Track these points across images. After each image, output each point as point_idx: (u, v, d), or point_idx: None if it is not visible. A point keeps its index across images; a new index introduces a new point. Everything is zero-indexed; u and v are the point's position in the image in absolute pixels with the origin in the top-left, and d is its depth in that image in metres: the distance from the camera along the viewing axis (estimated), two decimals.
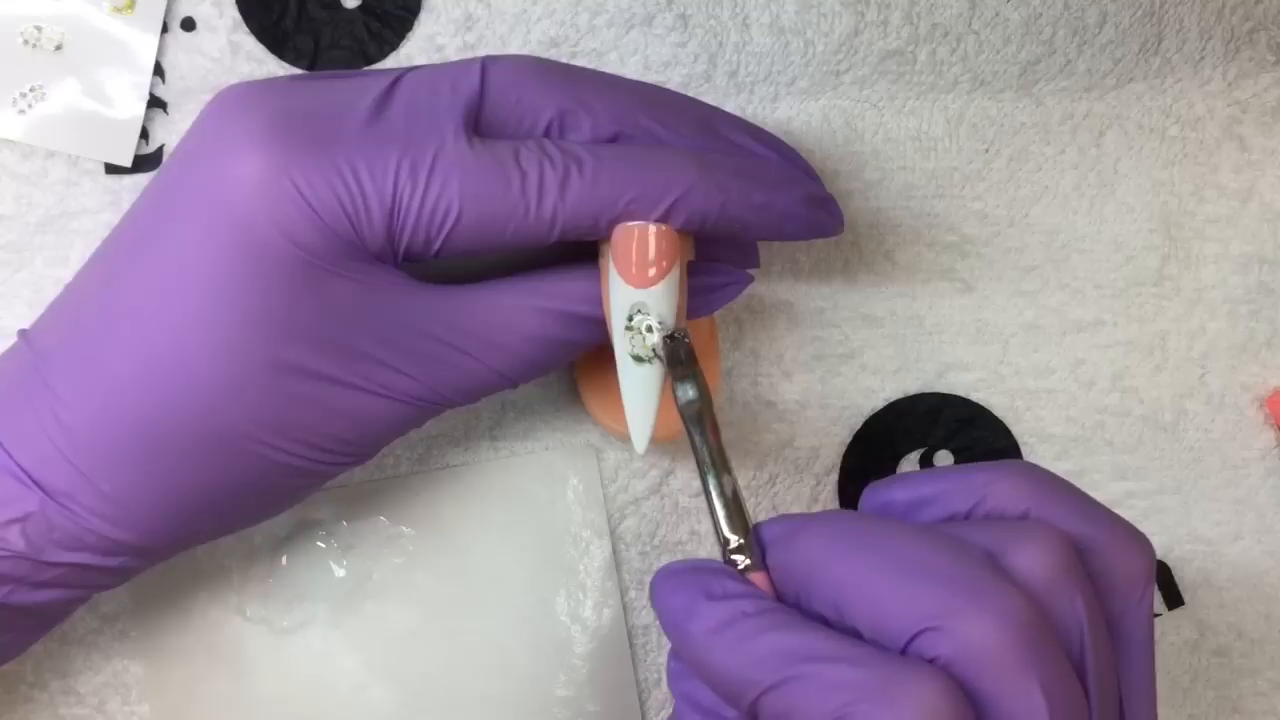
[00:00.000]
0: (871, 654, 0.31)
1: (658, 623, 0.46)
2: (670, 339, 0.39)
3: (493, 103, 0.38)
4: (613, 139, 0.39)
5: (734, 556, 0.35)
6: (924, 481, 0.36)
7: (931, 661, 0.31)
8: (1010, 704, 0.31)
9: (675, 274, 0.39)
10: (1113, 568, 0.34)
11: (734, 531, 0.36)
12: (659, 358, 0.39)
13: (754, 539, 0.36)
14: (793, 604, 0.34)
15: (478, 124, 0.38)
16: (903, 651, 0.32)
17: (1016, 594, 0.31)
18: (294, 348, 0.37)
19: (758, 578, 0.35)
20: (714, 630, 0.33)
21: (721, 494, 0.36)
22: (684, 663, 0.35)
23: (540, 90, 0.39)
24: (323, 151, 0.36)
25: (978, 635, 0.31)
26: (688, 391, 0.38)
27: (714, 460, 0.37)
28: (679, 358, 0.38)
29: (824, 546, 0.34)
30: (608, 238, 0.39)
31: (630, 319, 0.39)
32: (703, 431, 0.37)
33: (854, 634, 0.33)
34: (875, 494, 0.37)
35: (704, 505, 0.47)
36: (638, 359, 0.39)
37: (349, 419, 0.38)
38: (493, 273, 0.40)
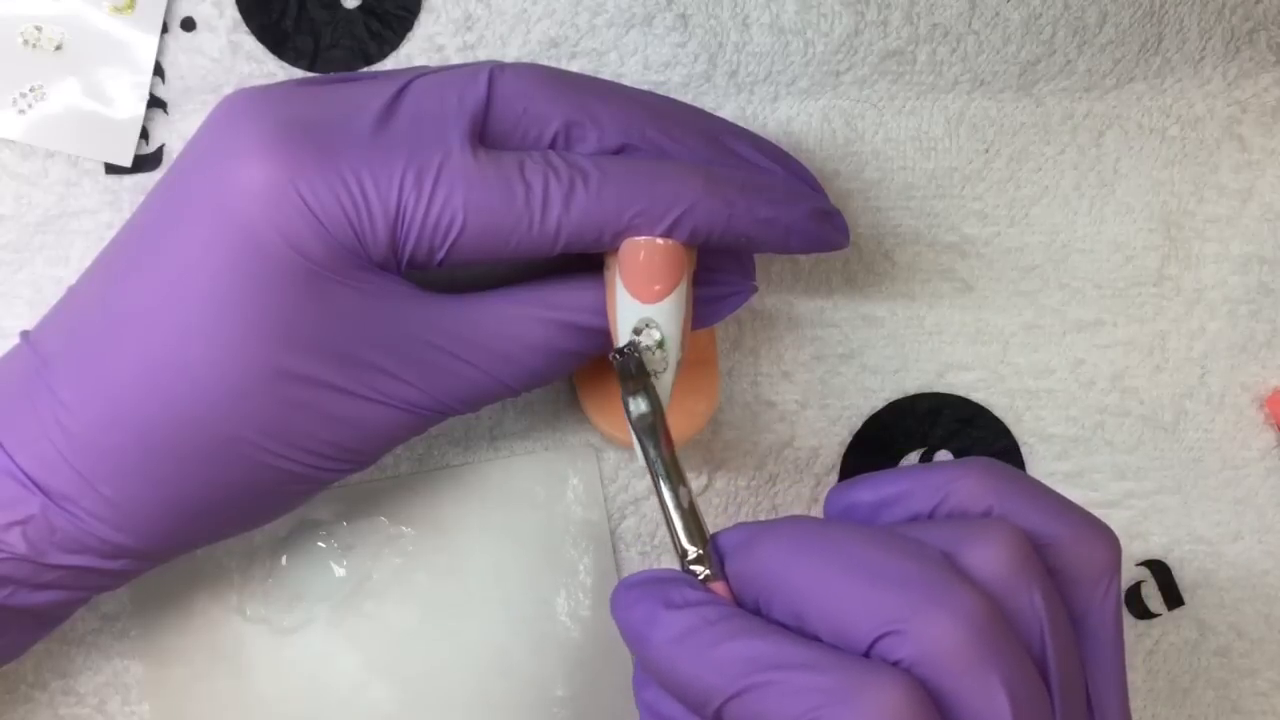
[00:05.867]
0: (835, 658, 0.32)
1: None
2: (620, 353, 0.39)
3: (499, 112, 0.38)
4: (619, 151, 0.39)
5: (693, 567, 0.35)
6: (887, 482, 0.36)
7: (895, 664, 0.31)
8: (973, 702, 0.31)
9: (682, 288, 0.39)
10: (1077, 561, 0.34)
11: (692, 542, 0.36)
12: (664, 370, 0.39)
13: (712, 548, 0.36)
14: (753, 612, 0.35)
15: (484, 134, 0.38)
16: (865, 655, 0.32)
17: (974, 593, 0.32)
18: (296, 355, 0.37)
19: (717, 587, 0.35)
20: (676, 639, 0.33)
21: (678, 505, 0.36)
22: (647, 673, 0.35)
23: (547, 101, 0.39)
24: (327, 160, 0.36)
25: (938, 636, 0.31)
26: (640, 404, 0.38)
27: (669, 472, 0.37)
28: (629, 371, 0.38)
29: (782, 554, 0.34)
30: (613, 250, 0.39)
31: (637, 333, 0.39)
32: (656, 444, 0.37)
33: (815, 640, 0.33)
34: (839, 496, 0.37)
35: (704, 505, 0.47)
36: None
37: (350, 426, 0.38)
38: (497, 281, 0.40)
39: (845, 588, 0.32)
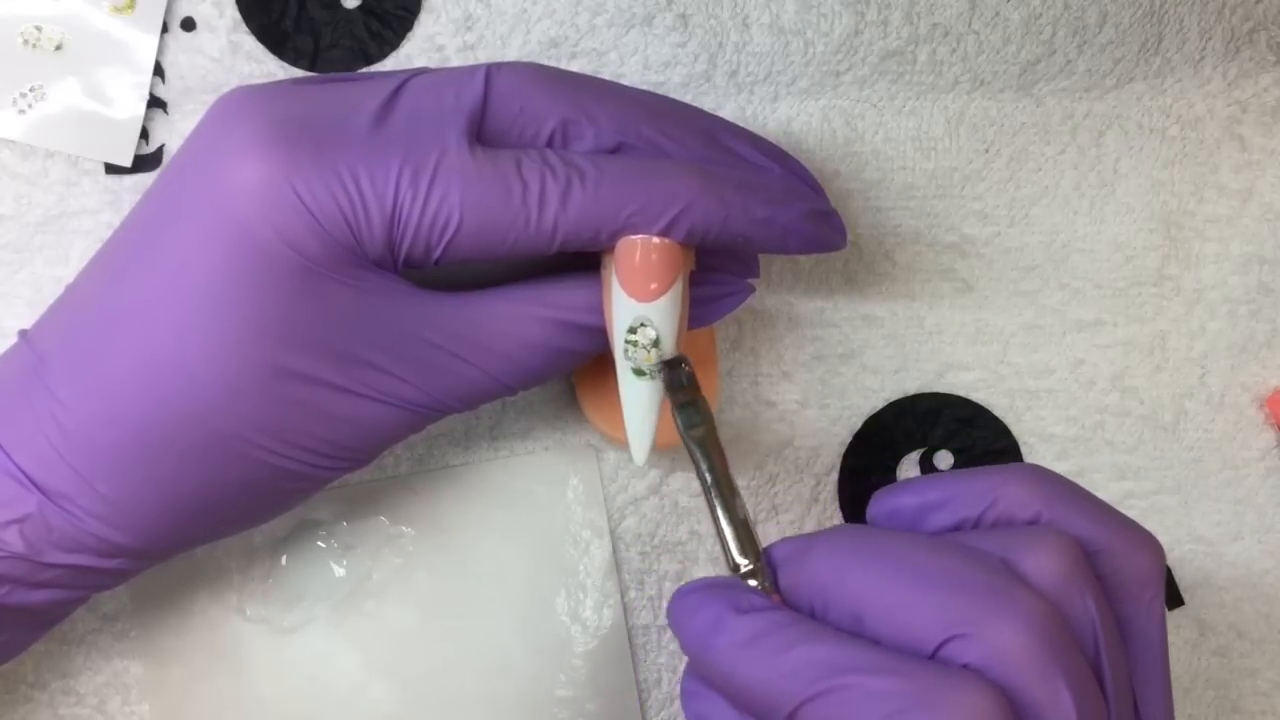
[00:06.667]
0: (912, 663, 0.31)
1: (659, 623, 0.46)
2: (670, 365, 0.38)
3: (496, 111, 0.38)
4: (616, 149, 0.39)
5: (747, 582, 0.35)
6: (932, 486, 0.36)
7: (964, 668, 0.31)
8: (1040, 705, 0.31)
9: (678, 287, 0.39)
10: (1123, 569, 0.34)
11: (745, 556, 0.35)
12: (659, 371, 0.39)
13: (765, 561, 0.35)
14: None
15: (481, 132, 0.38)
16: (931, 659, 0.32)
17: (1036, 597, 0.32)
18: (293, 353, 0.37)
19: (773, 599, 0.35)
20: (745, 643, 0.33)
21: (731, 519, 0.36)
22: (702, 681, 0.35)
23: (544, 99, 0.39)
24: (324, 158, 0.36)
25: (1005, 639, 0.31)
26: (691, 417, 0.37)
27: (721, 485, 0.36)
28: (680, 383, 0.38)
29: (839, 561, 0.34)
30: (609, 249, 0.39)
31: (632, 332, 0.39)
32: (709, 457, 0.36)
33: (880, 645, 0.33)
34: (883, 500, 0.37)
35: (704, 505, 0.47)
36: (639, 373, 0.39)
37: (347, 424, 0.38)
38: (494, 280, 0.40)
39: (908, 592, 0.32)
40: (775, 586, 0.35)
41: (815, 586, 0.34)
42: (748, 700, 0.33)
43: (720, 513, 0.36)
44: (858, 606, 0.33)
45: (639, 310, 0.38)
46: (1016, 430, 0.48)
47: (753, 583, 0.35)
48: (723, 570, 0.39)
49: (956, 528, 0.36)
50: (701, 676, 0.35)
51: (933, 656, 0.32)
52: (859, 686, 0.31)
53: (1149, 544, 0.35)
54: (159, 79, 0.45)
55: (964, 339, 0.48)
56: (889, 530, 0.35)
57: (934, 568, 0.33)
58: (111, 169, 0.45)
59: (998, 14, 0.47)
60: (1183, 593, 0.48)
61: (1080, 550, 0.34)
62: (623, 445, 0.41)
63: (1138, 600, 0.35)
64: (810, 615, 0.34)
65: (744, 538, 0.35)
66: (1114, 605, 0.34)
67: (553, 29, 0.46)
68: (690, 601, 0.35)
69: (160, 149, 0.45)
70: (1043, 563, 0.33)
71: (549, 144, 0.39)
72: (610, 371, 0.40)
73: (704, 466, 0.36)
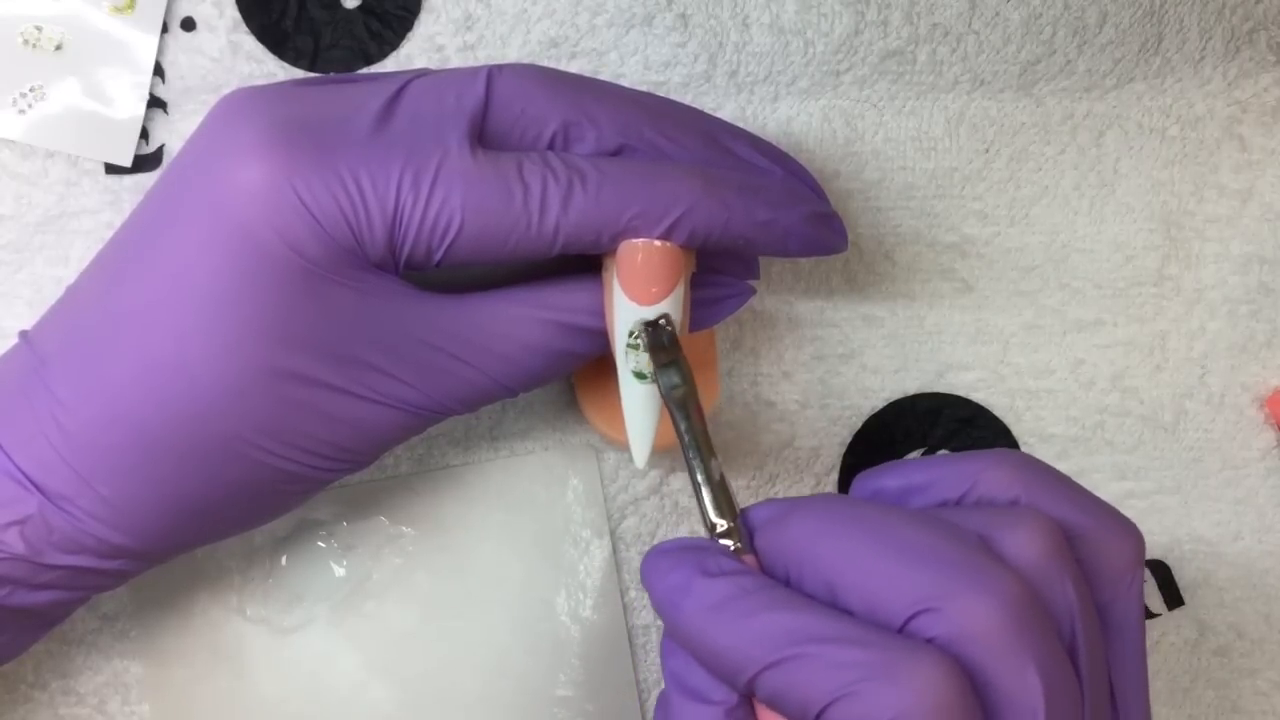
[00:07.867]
0: (874, 634, 0.31)
1: (658, 623, 0.46)
2: (652, 325, 0.38)
3: (497, 113, 0.38)
4: (617, 151, 0.39)
5: (722, 541, 0.35)
6: (915, 469, 0.36)
7: (929, 642, 0.31)
8: (1006, 684, 0.31)
9: (679, 291, 0.39)
10: (1101, 555, 0.34)
11: (721, 515, 0.35)
12: (646, 334, 0.39)
13: (742, 522, 0.35)
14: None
15: (482, 134, 0.38)
16: (899, 632, 0.32)
17: (1011, 576, 0.32)
18: (293, 354, 0.37)
19: (747, 560, 0.35)
20: (712, 607, 0.33)
21: (708, 478, 0.36)
22: (676, 641, 0.35)
23: (545, 101, 0.39)
24: (325, 159, 0.36)
25: (975, 616, 0.31)
26: (671, 377, 0.38)
27: (699, 445, 0.36)
28: (661, 343, 0.38)
29: (817, 528, 0.34)
30: (611, 252, 0.39)
31: (633, 335, 0.39)
32: (688, 416, 0.37)
33: (849, 615, 0.33)
34: (866, 482, 0.37)
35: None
36: (640, 376, 0.39)
37: (348, 426, 0.38)
38: (495, 282, 0.40)
39: (881, 564, 0.32)
40: (751, 548, 0.35)
41: (792, 552, 0.34)
42: (712, 663, 0.33)
43: (698, 472, 0.36)
44: (831, 575, 0.33)
45: (641, 313, 0.38)
46: (1016, 430, 0.48)
47: (727, 542, 0.35)
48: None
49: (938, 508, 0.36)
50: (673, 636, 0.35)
51: (902, 630, 0.32)
52: (818, 655, 0.31)
53: (1128, 530, 0.35)
54: (159, 79, 0.45)
55: (964, 339, 0.48)
56: (871, 502, 0.35)
57: (910, 540, 0.32)
58: (111, 169, 0.45)
59: (998, 14, 0.47)
60: (1183, 593, 0.48)
61: (1061, 534, 0.34)
62: (623, 446, 0.41)
63: (1116, 587, 0.35)
64: (785, 581, 0.34)
65: (720, 497, 0.36)
66: (1092, 592, 0.34)
67: (553, 29, 0.46)
68: (660, 563, 0.35)
69: (160, 149, 0.45)
70: (1022, 543, 0.33)
71: (550, 146, 0.39)
72: (610, 373, 0.40)
73: (683, 427, 0.37)
